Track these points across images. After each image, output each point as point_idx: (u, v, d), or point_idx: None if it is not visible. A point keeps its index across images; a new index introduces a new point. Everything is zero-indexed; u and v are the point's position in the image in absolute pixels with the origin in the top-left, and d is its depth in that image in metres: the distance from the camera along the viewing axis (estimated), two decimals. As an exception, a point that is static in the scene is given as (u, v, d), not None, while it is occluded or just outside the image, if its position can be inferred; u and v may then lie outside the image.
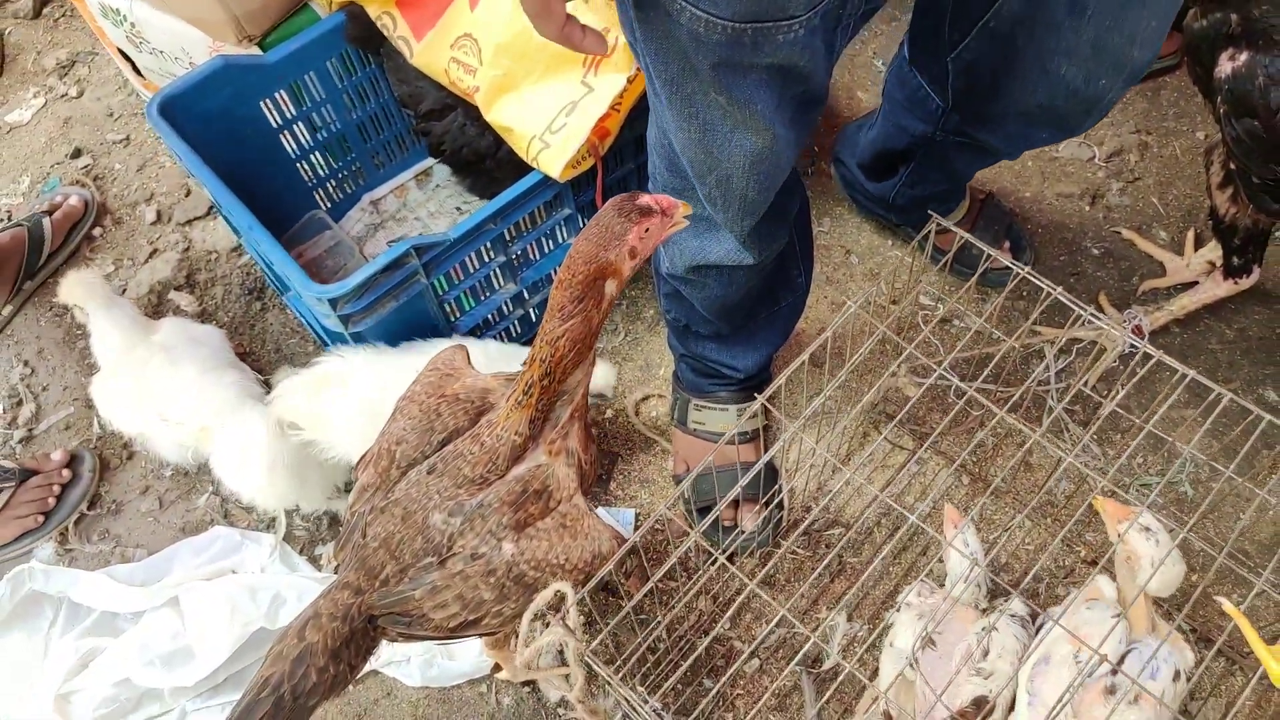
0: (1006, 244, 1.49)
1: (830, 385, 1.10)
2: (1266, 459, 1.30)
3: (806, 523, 1.22)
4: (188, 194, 1.81)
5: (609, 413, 1.48)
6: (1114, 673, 0.90)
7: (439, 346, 1.15)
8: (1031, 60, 1.02)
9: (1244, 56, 1.06)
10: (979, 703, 1.00)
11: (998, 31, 1.04)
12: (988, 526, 1.33)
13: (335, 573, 1.02)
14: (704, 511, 1.33)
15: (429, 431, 0.99)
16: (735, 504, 1.32)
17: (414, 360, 1.22)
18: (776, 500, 1.32)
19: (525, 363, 0.92)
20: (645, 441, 1.44)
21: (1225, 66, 1.08)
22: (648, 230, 0.85)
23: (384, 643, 1.01)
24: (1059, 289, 1.03)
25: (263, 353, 1.60)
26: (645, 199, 0.85)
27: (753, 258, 1.07)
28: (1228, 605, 0.86)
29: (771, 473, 1.38)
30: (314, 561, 1.38)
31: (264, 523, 1.44)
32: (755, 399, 1.02)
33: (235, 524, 1.44)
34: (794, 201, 1.13)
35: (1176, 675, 0.91)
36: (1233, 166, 1.17)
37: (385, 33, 1.41)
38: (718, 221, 1.04)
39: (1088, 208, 1.58)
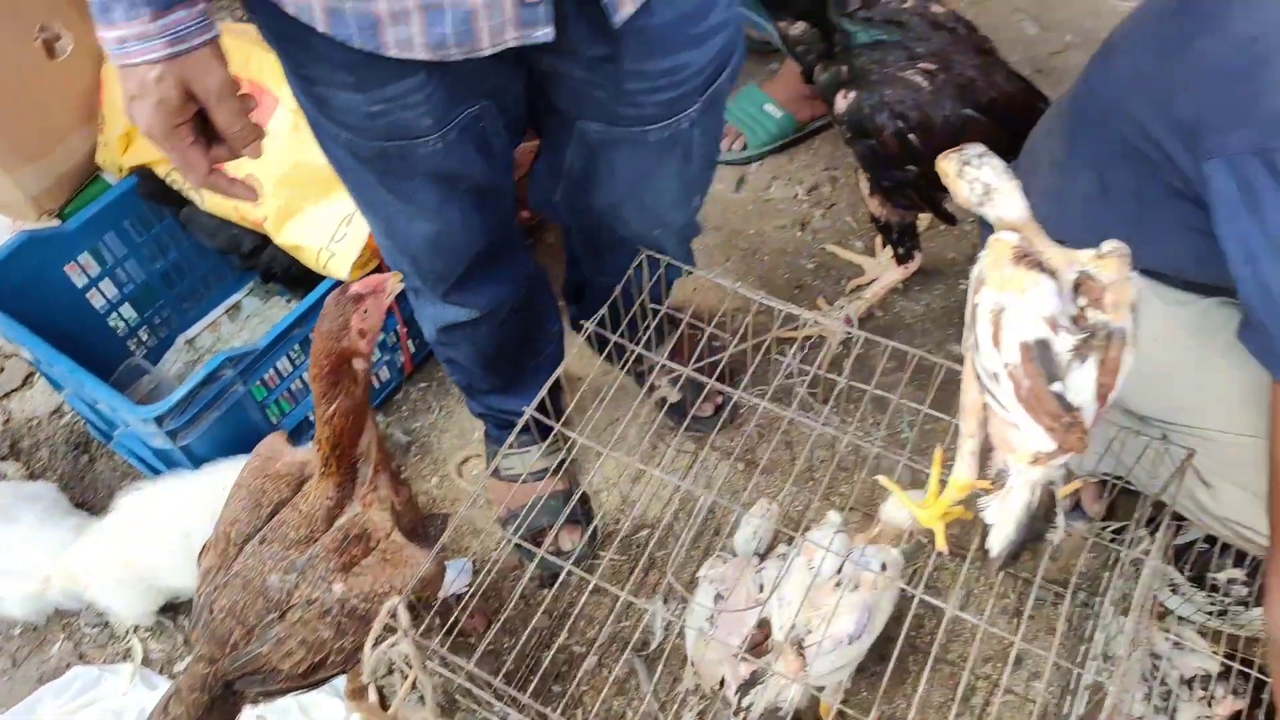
0: None
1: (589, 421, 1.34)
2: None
3: (620, 534, 1.46)
4: (1, 370, 1.90)
5: (434, 479, 1.68)
6: (839, 571, 1.16)
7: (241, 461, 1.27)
8: (604, 209, 1.24)
9: (852, 94, 1.42)
10: (762, 624, 1.23)
11: (574, 186, 1.23)
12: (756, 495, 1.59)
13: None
14: (532, 542, 1.53)
15: (258, 508, 1.14)
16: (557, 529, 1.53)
17: (217, 478, 1.37)
18: (590, 518, 1.54)
19: (314, 444, 1.09)
20: (470, 497, 1.64)
21: (840, 104, 1.43)
22: (366, 311, 1.03)
23: (246, 708, 1.13)
24: (787, 303, 1.30)
25: (97, 500, 1.69)
26: (355, 287, 1.04)
27: (476, 312, 1.26)
28: (885, 479, 1.13)
29: (582, 495, 1.60)
30: (175, 679, 1.48)
31: (120, 654, 1.52)
32: (551, 430, 1.24)
33: (92, 662, 1.51)
34: (511, 264, 1.31)
35: (883, 567, 1.18)
36: (868, 177, 1.52)
37: (175, 186, 1.60)
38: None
39: (799, 233, 1.94)
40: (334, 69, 0.92)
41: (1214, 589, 1.34)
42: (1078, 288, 0.83)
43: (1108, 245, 0.85)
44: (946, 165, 0.94)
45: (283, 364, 1.51)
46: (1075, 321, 0.82)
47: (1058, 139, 1.23)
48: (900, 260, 1.66)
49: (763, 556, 1.36)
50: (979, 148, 0.92)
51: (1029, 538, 0.91)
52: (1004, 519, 0.90)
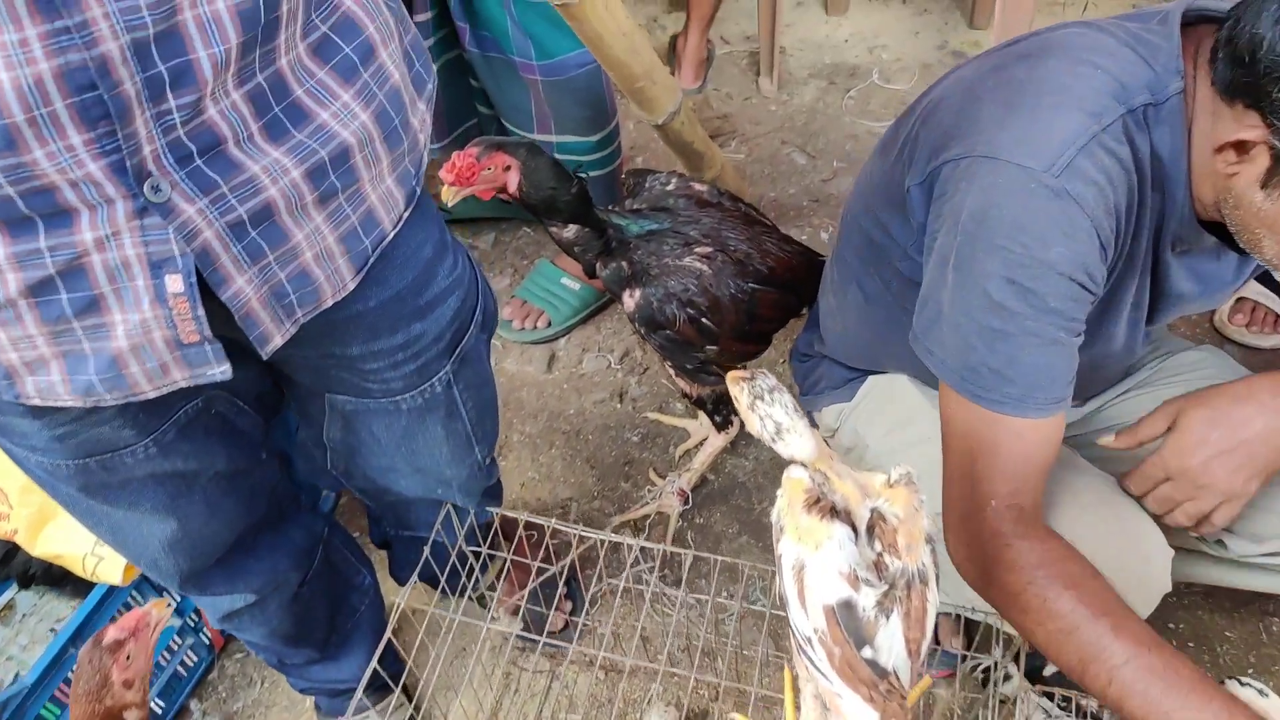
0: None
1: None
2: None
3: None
4: None
5: (271, 764, 1.50)
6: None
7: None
8: (377, 473, 1.17)
9: (638, 292, 1.41)
10: None
11: (341, 456, 1.16)
12: (626, 705, 1.51)
13: None
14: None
15: None
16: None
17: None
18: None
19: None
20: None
21: (629, 303, 1.42)
22: (129, 656, 0.93)
23: None
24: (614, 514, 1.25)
25: None
26: (111, 632, 0.93)
27: (253, 595, 1.15)
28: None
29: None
30: None
31: None
32: (391, 690, 1.13)
33: None
34: (288, 535, 1.19)
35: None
36: (671, 365, 1.51)
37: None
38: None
39: (619, 405, 1.91)
40: None
41: (1086, 716, 1.35)
42: (871, 530, 0.82)
43: (896, 472, 0.84)
44: (737, 393, 0.92)
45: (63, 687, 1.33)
46: (875, 568, 0.80)
47: (831, 265, 1.31)
48: (720, 428, 1.65)
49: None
50: (769, 380, 0.90)
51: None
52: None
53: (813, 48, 2.78)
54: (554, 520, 1.18)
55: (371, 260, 0.87)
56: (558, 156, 1.78)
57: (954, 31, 2.78)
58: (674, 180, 1.53)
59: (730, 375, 0.89)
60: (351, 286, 0.86)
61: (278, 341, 0.83)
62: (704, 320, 1.41)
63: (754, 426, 0.91)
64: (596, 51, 1.54)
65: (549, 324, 2.00)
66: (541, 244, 2.19)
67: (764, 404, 0.90)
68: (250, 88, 0.72)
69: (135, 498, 0.96)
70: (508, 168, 1.31)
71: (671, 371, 1.55)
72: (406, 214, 0.90)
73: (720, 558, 1.25)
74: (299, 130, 0.76)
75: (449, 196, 1.29)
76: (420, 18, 1.70)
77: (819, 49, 2.77)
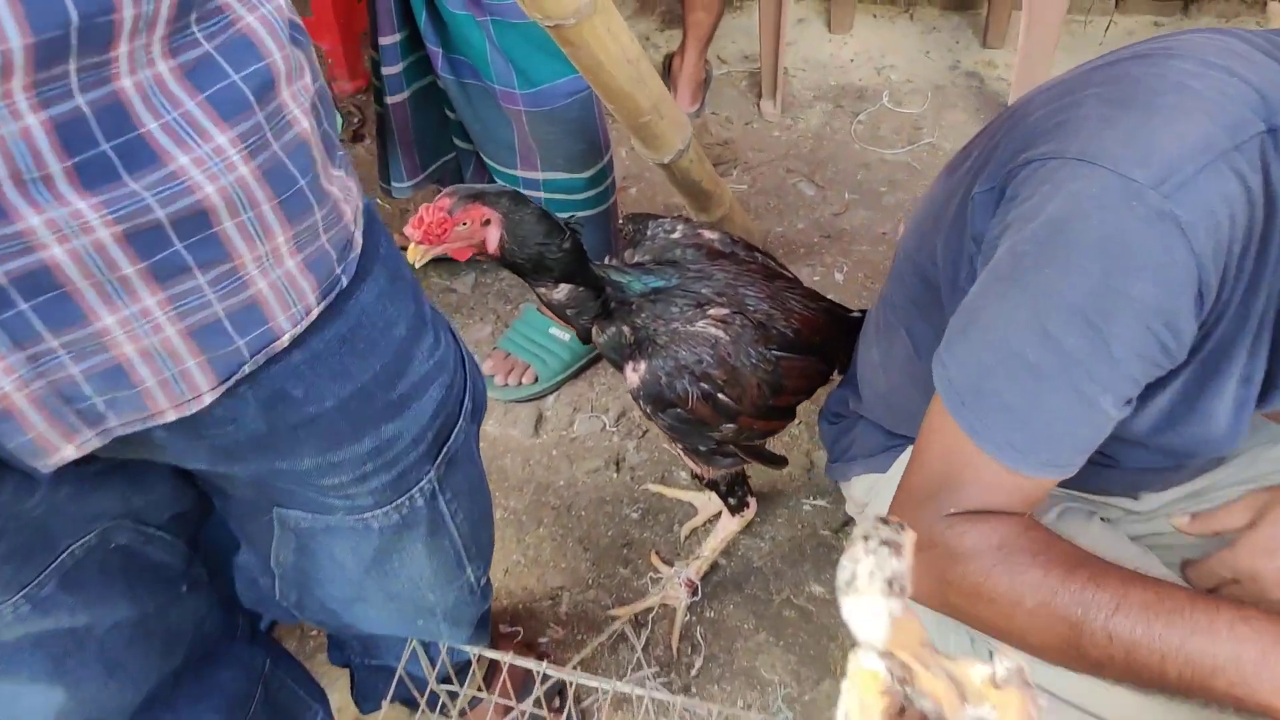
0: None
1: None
2: (837, 652, 1.41)
3: None
4: None
5: None
6: None
7: None
8: (340, 605, 0.96)
9: (642, 365, 1.19)
10: None
11: (292, 584, 0.95)
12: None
13: None
14: None
15: None
16: None
17: None
18: None
19: None
20: None
21: (632, 377, 1.20)
22: None
23: None
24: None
25: None
26: None
27: None
28: None
29: None
30: None
31: None
32: None
33: None
34: (219, 676, 0.97)
35: None
36: (681, 447, 1.29)
37: None
38: None
39: (615, 474, 1.69)
40: None
41: None
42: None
43: (1002, 666, 0.63)
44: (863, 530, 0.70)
45: None
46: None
47: (877, 311, 1.17)
48: (735, 510, 1.44)
49: None
50: (897, 534, 0.68)
51: None
52: None
53: (816, 68, 2.59)
54: (545, 665, 0.96)
55: (242, 373, 0.64)
56: (544, 196, 1.58)
57: (966, 51, 2.60)
58: (680, 227, 1.32)
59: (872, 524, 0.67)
60: (207, 401, 0.64)
61: (68, 454, 0.61)
62: (721, 396, 1.19)
63: (844, 566, 0.70)
64: (595, 81, 1.33)
65: (536, 380, 1.79)
66: (527, 287, 1.97)
67: (865, 548, 0.68)
68: (57, 112, 0.50)
69: (6, 666, 0.74)
70: (487, 221, 1.10)
71: (679, 452, 1.33)
72: (318, 310, 0.67)
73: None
74: (135, 176, 0.54)
75: (416, 257, 1.07)
76: (387, 40, 1.48)
77: (823, 69, 2.59)
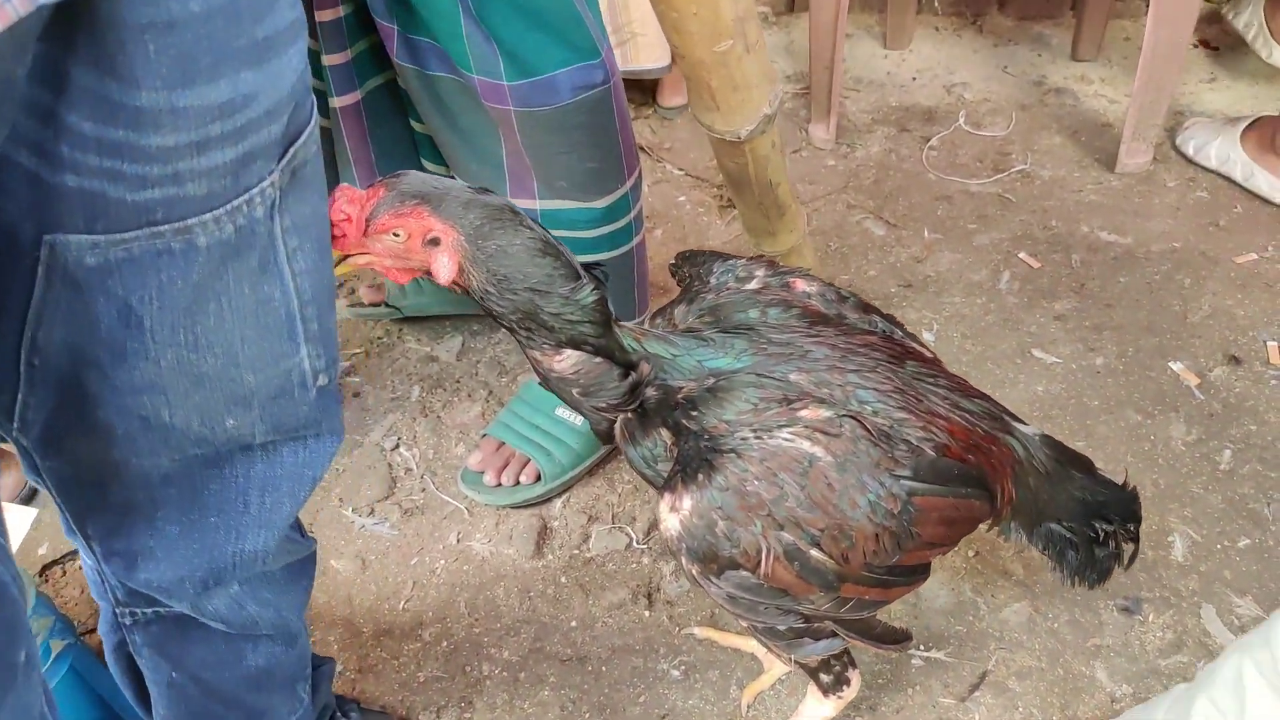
0: None
1: None
2: None
3: None
4: None
5: None
6: None
7: None
8: (124, 410, 0.65)
9: (688, 500, 0.75)
10: None
11: (49, 386, 0.65)
12: None
13: None
14: None
15: None
16: None
17: None
18: None
19: None
20: None
21: (669, 521, 0.76)
22: None
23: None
24: None
25: None
26: None
27: None
28: None
29: None
30: None
31: None
32: None
33: None
34: None
35: None
36: (749, 623, 0.84)
37: None
38: None
39: (647, 612, 1.24)
40: None
41: None
42: None
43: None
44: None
45: None
46: None
47: None
48: (829, 690, 0.98)
49: None
50: None
51: None
52: None
53: (873, 88, 2.19)
54: None
55: None
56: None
57: (1053, 65, 2.20)
58: (760, 272, 0.90)
59: None
60: None
61: None
62: (815, 553, 0.76)
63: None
64: None
65: (538, 478, 1.35)
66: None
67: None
68: None
69: None
70: (433, 240, 0.68)
71: (753, 634, 0.88)
72: None
73: None
74: None
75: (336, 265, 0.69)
76: (326, 15, 1.07)
77: (880, 89, 2.19)
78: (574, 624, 1.24)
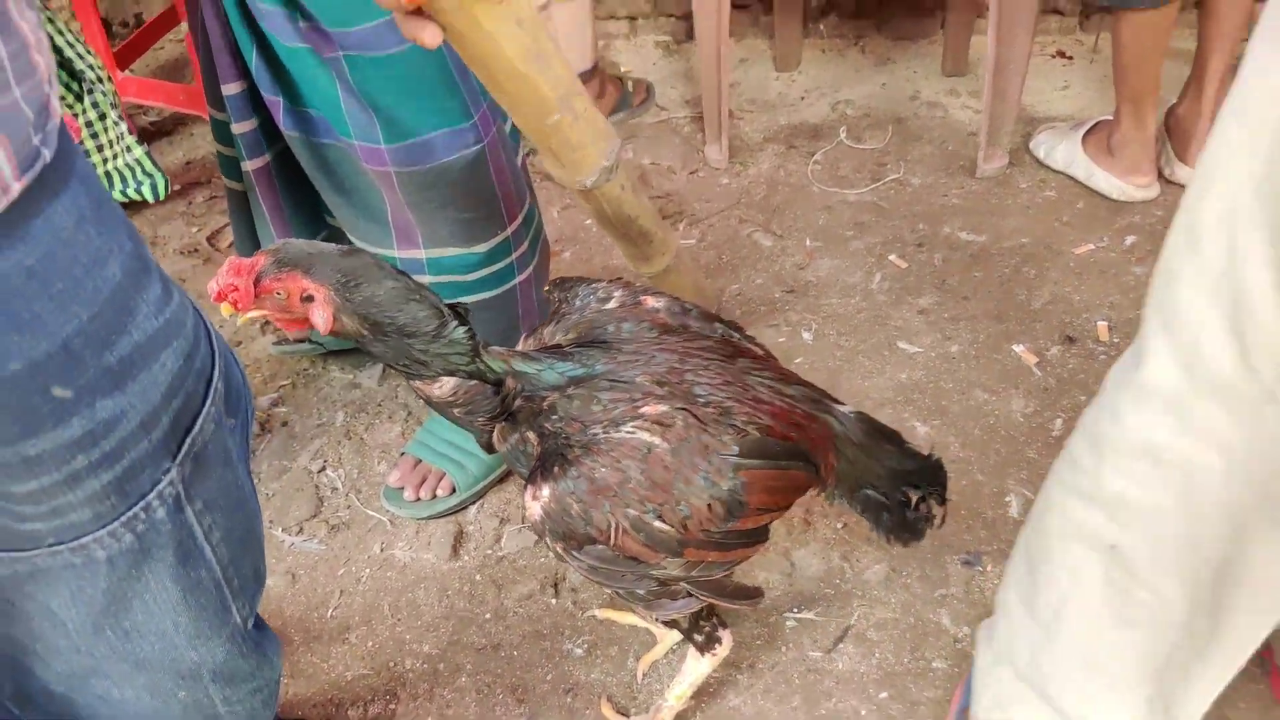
0: None
1: None
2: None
3: None
4: None
5: None
6: None
7: None
8: (69, 685, 0.71)
9: (545, 489, 0.90)
10: None
11: None
12: None
13: None
14: None
15: None
16: None
17: None
18: None
19: None
20: None
21: (533, 509, 0.91)
22: None
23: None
24: None
25: None
26: None
27: None
28: None
29: None
30: None
31: None
32: None
33: None
34: None
35: None
36: (612, 590, 0.99)
37: None
38: None
39: (554, 599, 1.38)
40: None
41: None
42: None
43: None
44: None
45: None
46: None
47: None
48: (703, 649, 1.13)
49: None
50: None
51: None
52: None
53: (764, 109, 2.36)
54: None
55: None
56: (431, 279, 1.29)
57: (926, 81, 2.38)
58: (617, 294, 1.04)
59: None
60: None
61: None
62: (657, 524, 0.90)
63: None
64: (480, 62, 1.00)
65: (453, 490, 1.48)
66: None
67: None
68: None
69: None
70: (308, 297, 0.82)
71: (618, 598, 1.03)
72: (19, 189, 0.50)
73: None
74: None
75: (228, 315, 0.82)
76: (231, 89, 1.20)
77: (772, 110, 2.36)
78: (488, 616, 1.37)
